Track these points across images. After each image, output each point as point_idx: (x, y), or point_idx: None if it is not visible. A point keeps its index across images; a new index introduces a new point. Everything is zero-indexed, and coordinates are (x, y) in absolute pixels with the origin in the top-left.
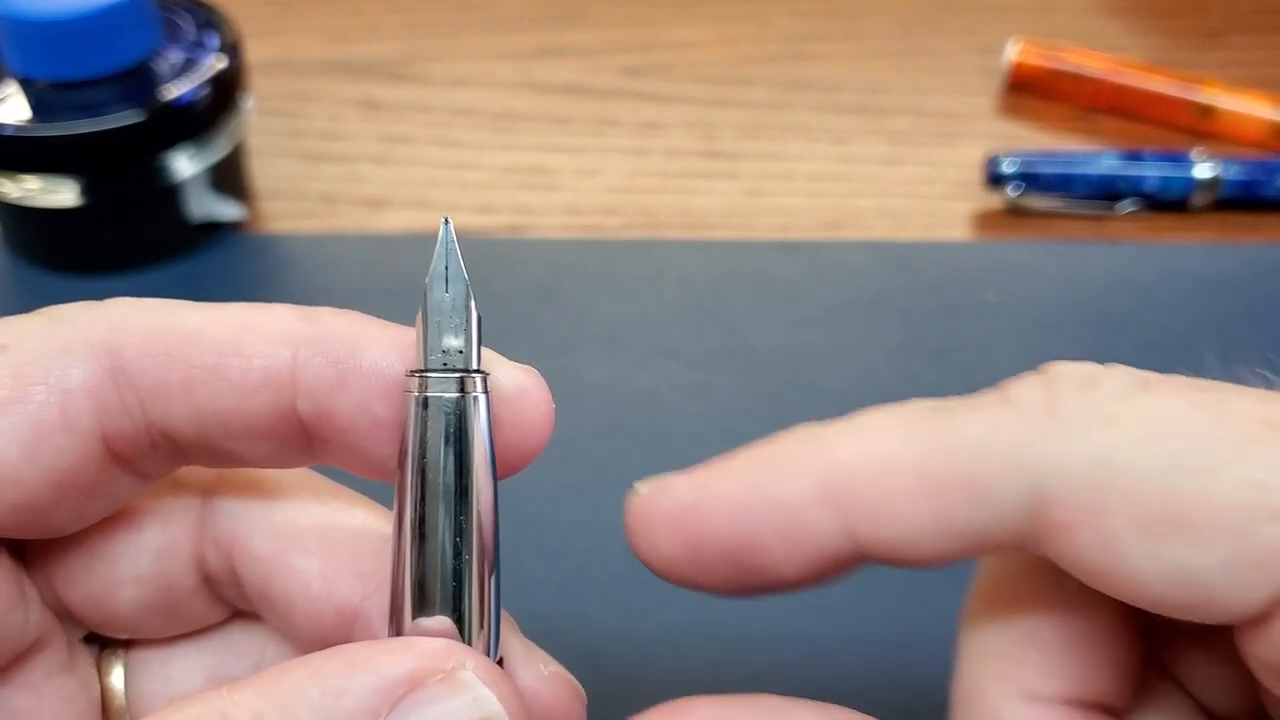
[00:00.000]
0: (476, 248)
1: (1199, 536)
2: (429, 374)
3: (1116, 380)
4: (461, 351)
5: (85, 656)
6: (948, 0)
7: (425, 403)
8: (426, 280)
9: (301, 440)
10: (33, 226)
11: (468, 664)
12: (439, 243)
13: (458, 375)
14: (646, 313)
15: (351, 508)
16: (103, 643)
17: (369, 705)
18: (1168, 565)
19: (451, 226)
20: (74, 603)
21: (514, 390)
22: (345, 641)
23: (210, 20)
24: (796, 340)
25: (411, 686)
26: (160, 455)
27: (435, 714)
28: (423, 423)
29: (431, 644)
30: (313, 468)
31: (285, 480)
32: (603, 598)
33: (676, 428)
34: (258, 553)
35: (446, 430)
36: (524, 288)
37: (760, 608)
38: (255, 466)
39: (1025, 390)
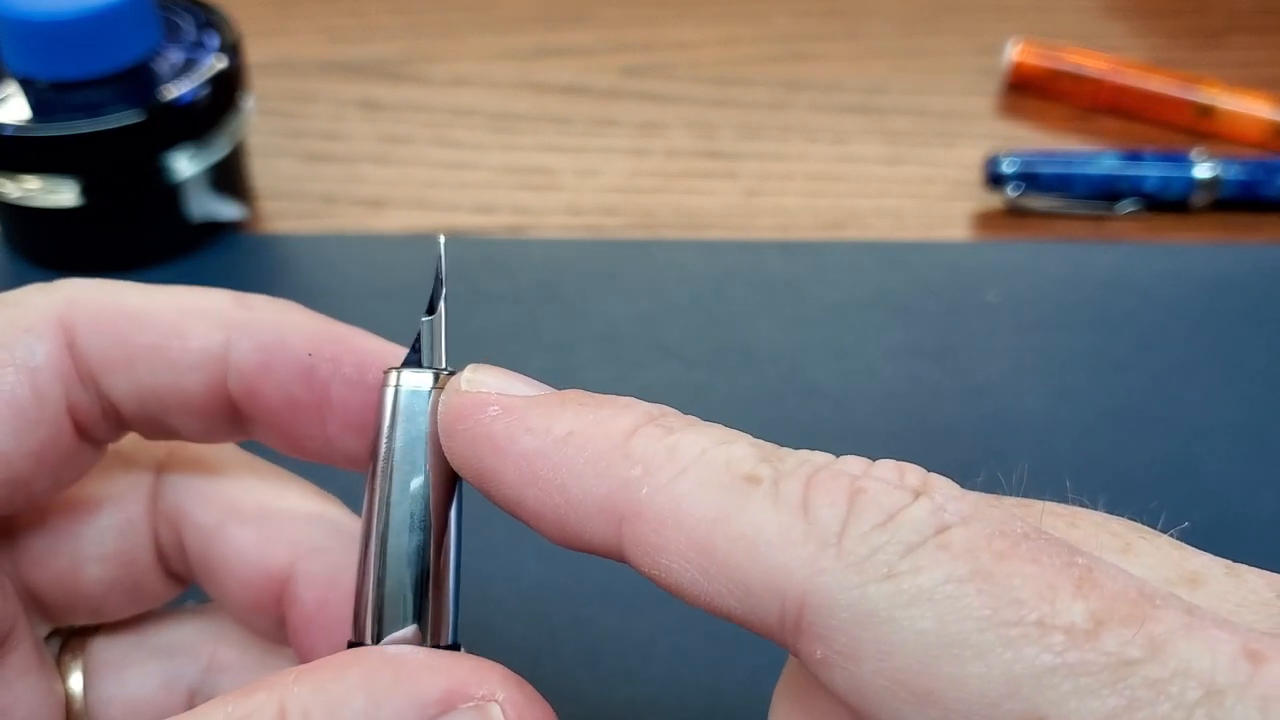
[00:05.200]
0: (476, 248)
1: (944, 714)
2: (401, 369)
3: (915, 524)
4: (418, 351)
5: (49, 659)
6: (948, 0)
7: (396, 395)
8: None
9: (231, 417)
10: (33, 226)
11: (499, 695)
12: (437, 261)
13: (430, 372)
14: (646, 313)
15: (287, 484)
16: (61, 645)
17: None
18: None
19: (443, 244)
20: (42, 586)
21: None
22: (275, 605)
23: (210, 20)
24: (796, 340)
25: (443, 709)
26: (110, 424)
27: None
28: (392, 413)
29: (468, 667)
30: (252, 449)
31: (228, 459)
32: (602, 598)
33: None
34: (200, 523)
35: (407, 416)
36: (524, 288)
37: None
38: (189, 440)
39: (828, 506)
